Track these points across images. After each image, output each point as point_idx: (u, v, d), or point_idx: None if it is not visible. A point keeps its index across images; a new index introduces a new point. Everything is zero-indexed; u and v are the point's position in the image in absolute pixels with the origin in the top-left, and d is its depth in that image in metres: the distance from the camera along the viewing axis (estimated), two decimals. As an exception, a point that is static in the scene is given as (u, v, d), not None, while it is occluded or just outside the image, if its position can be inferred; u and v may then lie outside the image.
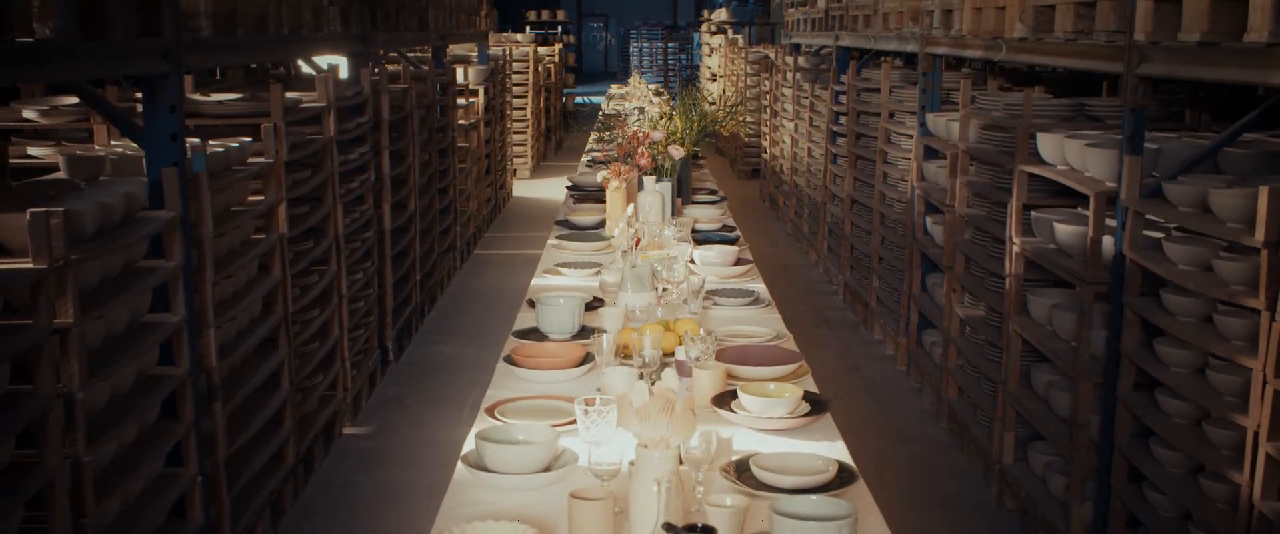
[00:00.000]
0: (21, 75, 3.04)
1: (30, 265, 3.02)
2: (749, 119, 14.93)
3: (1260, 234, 3.14)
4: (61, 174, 4.38)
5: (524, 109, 15.41)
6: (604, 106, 13.71)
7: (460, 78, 10.76)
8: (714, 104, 18.99)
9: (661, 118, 6.58)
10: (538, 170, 15.80)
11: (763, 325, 4.16)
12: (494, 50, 13.40)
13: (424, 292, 8.12)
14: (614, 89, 16.84)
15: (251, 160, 4.80)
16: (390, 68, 8.71)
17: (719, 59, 18.65)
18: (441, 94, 8.87)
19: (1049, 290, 4.85)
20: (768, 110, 13.12)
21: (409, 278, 7.66)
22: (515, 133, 15.05)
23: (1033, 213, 4.84)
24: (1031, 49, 4.89)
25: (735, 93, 16.23)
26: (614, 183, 5.62)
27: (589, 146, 9.19)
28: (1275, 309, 3.09)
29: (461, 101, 10.36)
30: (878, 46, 7.72)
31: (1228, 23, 3.30)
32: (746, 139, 15.13)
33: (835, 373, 6.97)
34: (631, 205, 5.11)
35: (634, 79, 17.18)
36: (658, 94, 15.10)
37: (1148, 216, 3.95)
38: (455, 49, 11.53)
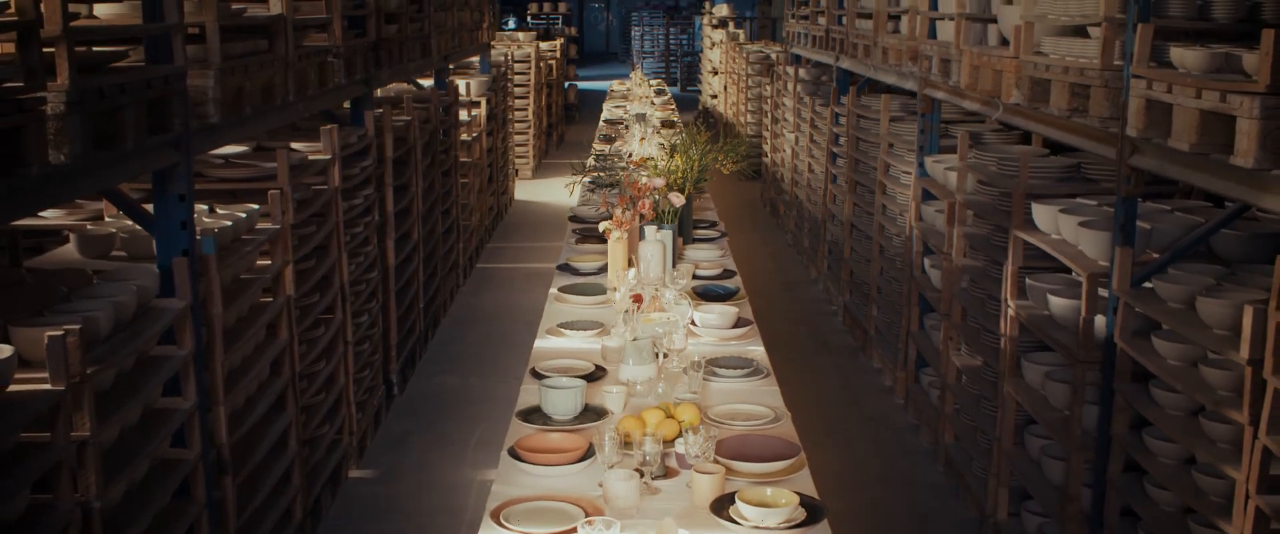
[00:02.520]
0: (41, 202, 3.11)
1: (49, 386, 3.10)
2: (750, 120, 14.96)
3: (1244, 352, 3.21)
4: (72, 250, 4.48)
5: (525, 109, 15.39)
6: (604, 108, 13.70)
7: (462, 90, 10.74)
8: (716, 97, 19.06)
9: (663, 153, 6.61)
10: (540, 169, 15.79)
11: (762, 401, 4.24)
12: (496, 53, 13.38)
13: (427, 316, 8.19)
14: (615, 86, 16.87)
15: (259, 227, 4.87)
16: (392, 87, 8.74)
17: (720, 54, 18.66)
18: (444, 114, 8.90)
19: (1043, 354, 4.92)
20: (769, 116, 13.14)
21: (413, 308, 7.72)
22: (517, 134, 15.04)
23: (1028, 279, 4.91)
24: (1027, 115, 4.94)
25: (738, 93, 16.25)
26: (615, 233, 5.68)
27: (590, 163, 9.19)
28: (1258, 424, 3.17)
29: (464, 115, 10.36)
30: (877, 77, 7.76)
31: (1217, 136, 3.37)
32: (748, 139, 15.16)
33: (834, 405, 7.06)
34: (633, 270, 5.19)
35: (635, 76, 17.23)
36: (660, 93, 15.16)
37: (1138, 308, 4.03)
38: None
